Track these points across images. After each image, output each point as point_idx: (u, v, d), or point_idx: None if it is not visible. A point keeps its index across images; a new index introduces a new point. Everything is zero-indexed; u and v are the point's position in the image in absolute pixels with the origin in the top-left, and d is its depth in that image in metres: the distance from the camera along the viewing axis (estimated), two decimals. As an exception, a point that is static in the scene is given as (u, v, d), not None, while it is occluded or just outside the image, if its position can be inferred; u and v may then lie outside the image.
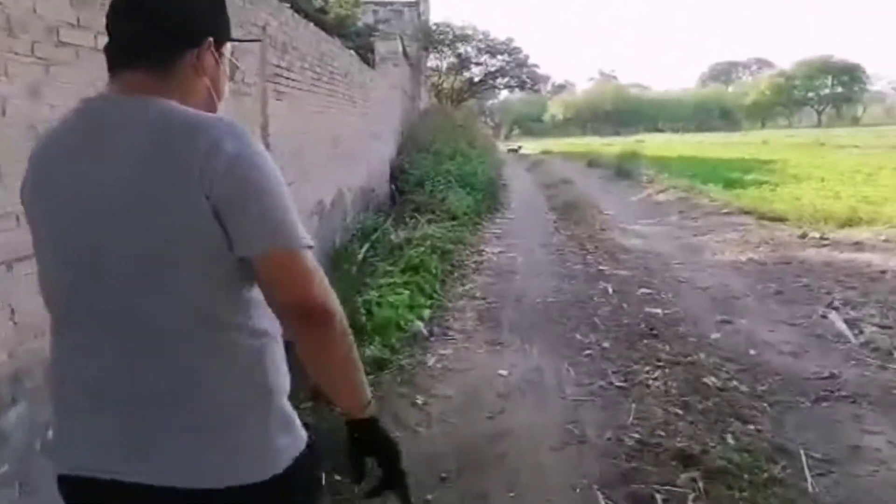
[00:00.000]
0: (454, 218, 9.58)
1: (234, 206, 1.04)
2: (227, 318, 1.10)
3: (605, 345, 4.65)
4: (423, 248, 7.28)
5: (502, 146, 34.31)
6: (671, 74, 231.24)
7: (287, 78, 6.16)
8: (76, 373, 1.13)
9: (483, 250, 8.18)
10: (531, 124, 72.99)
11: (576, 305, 5.66)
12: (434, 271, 6.44)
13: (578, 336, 4.86)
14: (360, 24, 20.96)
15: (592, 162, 21.38)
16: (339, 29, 19.13)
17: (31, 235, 1.19)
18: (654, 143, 34.71)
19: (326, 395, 1.23)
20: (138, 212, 1.04)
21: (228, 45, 1.26)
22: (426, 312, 5.35)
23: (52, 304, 1.17)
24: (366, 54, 18.47)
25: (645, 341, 4.68)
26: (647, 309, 5.44)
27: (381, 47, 18.48)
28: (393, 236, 7.92)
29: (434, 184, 11.41)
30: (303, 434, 1.19)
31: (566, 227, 9.85)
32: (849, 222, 8.63)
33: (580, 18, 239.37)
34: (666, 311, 5.38)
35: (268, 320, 1.13)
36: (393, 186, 11.87)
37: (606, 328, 5.01)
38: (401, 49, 19.94)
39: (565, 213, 11.12)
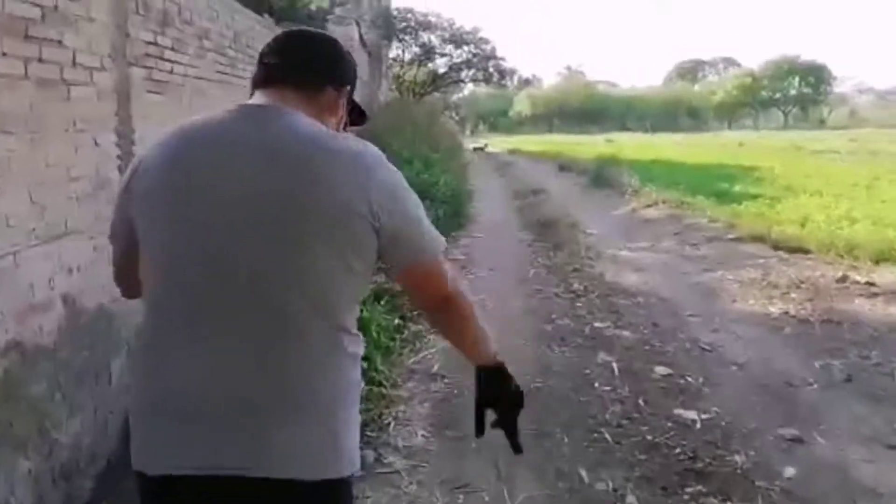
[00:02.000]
0: (409, 241, 7.83)
1: (394, 223, 1.18)
2: (345, 322, 1.21)
3: (630, 501, 2.97)
4: (364, 293, 5.55)
5: (468, 143, 32.60)
6: (638, 71, 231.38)
7: (170, 61, 4.37)
8: (185, 373, 1.16)
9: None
10: (497, 120, 71.47)
11: (570, 401, 3.97)
12: (375, 333, 4.69)
13: (584, 473, 3.17)
14: (313, 7, 19.10)
15: (564, 166, 19.78)
16: (288, 12, 17.27)
17: (141, 219, 1.22)
18: (626, 144, 33.38)
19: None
20: (290, 214, 1.12)
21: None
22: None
23: (167, 299, 1.19)
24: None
25: (689, 489, 3.01)
26: (676, 410, 3.79)
27: (333, 33, 16.60)
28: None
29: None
30: None
31: (544, 254, 8.17)
32: (884, 256, 7.12)
33: (547, 10, 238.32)
34: (703, 416, 3.73)
35: (354, 321, 1.26)
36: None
37: (623, 455, 3.33)
38: (357, 35, 18.07)
39: (542, 234, 9.45)
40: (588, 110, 67.96)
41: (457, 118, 48.87)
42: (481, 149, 29.82)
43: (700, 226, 9.43)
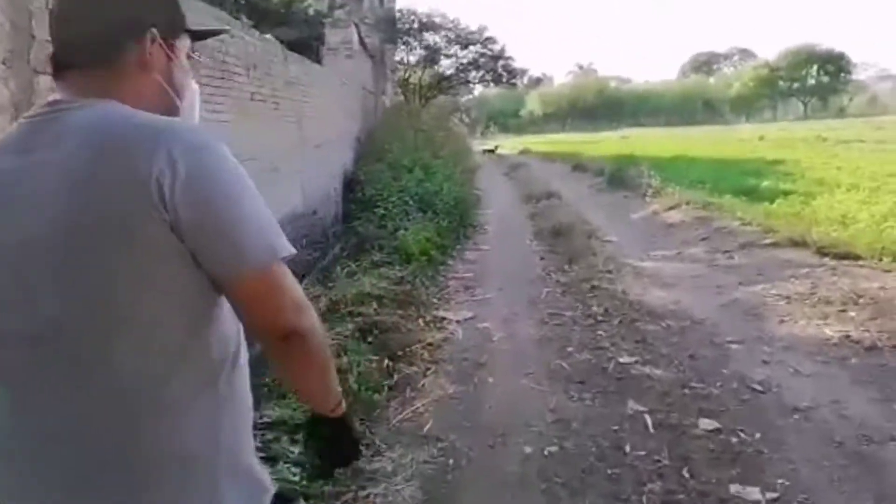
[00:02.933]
0: (408, 259, 7.03)
1: (197, 227, 0.93)
2: (178, 351, 0.98)
3: None
4: (346, 326, 4.77)
5: (478, 145, 31.74)
6: (651, 66, 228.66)
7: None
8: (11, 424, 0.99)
9: (442, 318, 5.63)
10: (508, 120, 70.54)
11: (595, 473, 3.13)
12: (355, 385, 3.87)
13: None
14: (311, 11, 18.39)
15: (578, 166, 18.87)
16: (283, 16, 16.56)
17: None
18: (641, 140, 32.39)
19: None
20: (78, 235, 0.92)
21: (186, 37, 1.14)
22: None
23: None
24: (318, 46, 15.81)
25: None
26: (732, 487, 2.94)
27: (331, 36, 15.87)
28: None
29: (387, 207, 8.85)
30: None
31: (558, 268, 7.32)
32: (949, 260, 6.21)
33: (554, 7, 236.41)
34: (769, 494, 2.88)
35: (223, 344, 1.04)
36: (352, 205, 9.39)
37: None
38: (356, 38, 17.30)
39: (555, 243, 8.59)
40: (601, 107, 66.78)
41: (467, 121, 48.07)
42: (492, 151, 28.95)
43: (731, 229, 8.52)
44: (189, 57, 1.16)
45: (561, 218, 10.07)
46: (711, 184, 12.52)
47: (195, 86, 1.19)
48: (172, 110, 1.11)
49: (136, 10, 1.08)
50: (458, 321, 5.59)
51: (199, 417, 1.00)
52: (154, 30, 1.08)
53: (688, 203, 10.23)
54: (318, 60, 13.54)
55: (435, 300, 6.12)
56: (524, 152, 29.78)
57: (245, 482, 1.08)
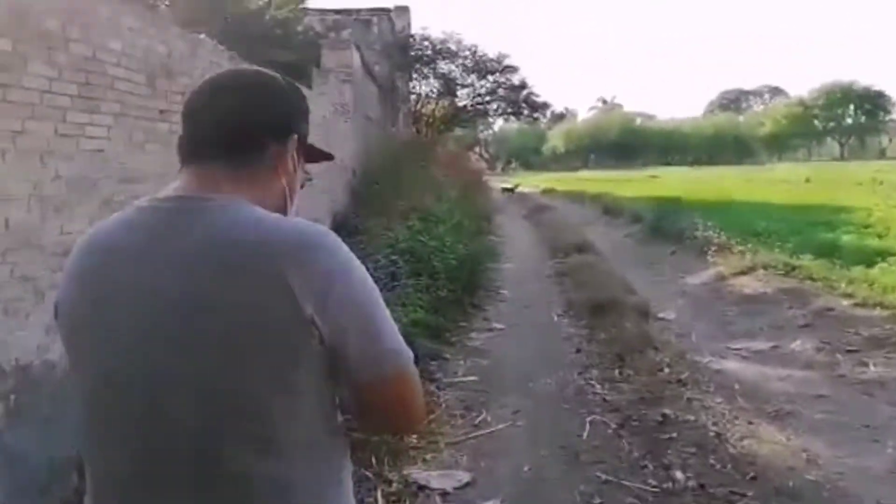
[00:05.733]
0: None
1: (342, 333, 0.93)
2: (311, 458, 0.98)
3: None
4: None
5: (498, 183, 29.52)
6: (677, 102, 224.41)
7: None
8: None
9: (416, 488, 3.30)
10: (530, 157, 68.50)
11: None
12: None
13: None
14: (310, 32, 16.46)
15: (610, 209, 16.51)
16: (280, 39, 14.61)
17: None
18: (672, 180, 29.98)
19: None
20: (208, 337, 0.90)
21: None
22: None
23: (93, 456, 1.01)
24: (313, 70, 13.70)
25: None
26: None
27: (327, 59, 13.83)
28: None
29: (376, 270, 6.58)
30: None
31: (603, 373, 4.97)
32: None
33: (577, 41, 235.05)
34: None
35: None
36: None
37: None
38: (357, 62, 15.25)
39: (595, 325, 6.23)
40: (626, 144, 64.23)
41: (486, 156, 46.06)
42: (511, 190, 26.68)
43: (841, 311, 6.10)
44: (306, 172, 1.16)
45: (599, 282, 7.72)
46: (777, 236, 10.11)
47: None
48: (285, 213, 1.07)
49: (286, 115, 1.09)
50: (442, 493, 3.27)
51: None
52: (295, 137, 1.08)
53: (765, 267, 7.82)
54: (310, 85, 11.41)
55: (411, 442, 3.78)
56: (547, 192, 27.44)
57: None
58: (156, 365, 0.92)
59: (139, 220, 0.98)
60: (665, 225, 11.95)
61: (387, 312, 0.98)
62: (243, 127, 1.03)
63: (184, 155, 1.04)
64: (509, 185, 28.10)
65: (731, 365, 5.17)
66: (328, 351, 0.92)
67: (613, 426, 3.98)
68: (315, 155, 1.18)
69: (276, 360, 0.90)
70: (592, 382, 4.78)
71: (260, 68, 1.15)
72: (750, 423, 4.00)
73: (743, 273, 7.92)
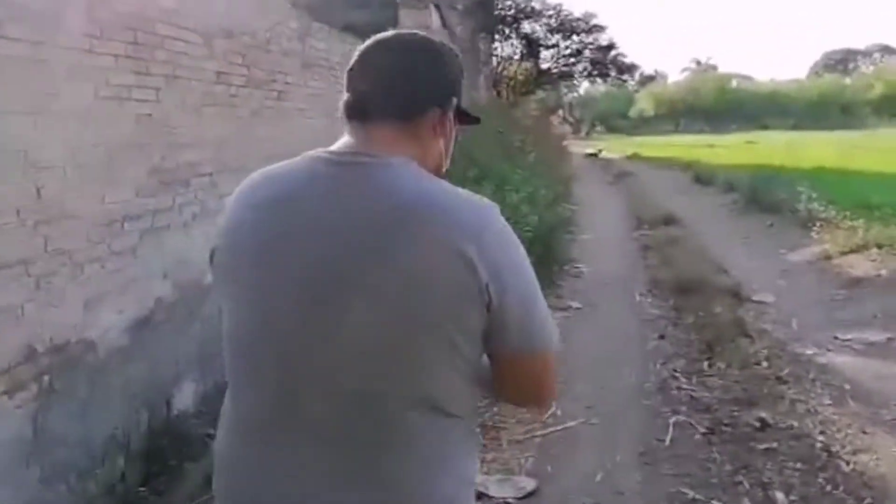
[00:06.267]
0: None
1: (509, 302, 0.96)
2: (457, 410, 1.02)
3: None
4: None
5: (582, 148, 28.50)
6: (778, 64, 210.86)
7: None
8: (270, 486, 1.01)
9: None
10: (616, 121, 66.12)
11: None
12: None
13: None
14: (390, -9, 16.03)
15: (701, 177, 15.52)
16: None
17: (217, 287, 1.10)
18: (771, 145, 28.15)
19: None
20: (382, 298, 0.94)
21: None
22: None
23: (245, 389, 1.05)
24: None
25: None
26: None
27: (405, 18, 13.43)
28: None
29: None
30: None
31: (690, 364, 4.47)
32: None
33: (669, 0, 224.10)
34: None
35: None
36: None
37: None
38: (437, 21, 14.78)
39: (681, 307, 5.68)
40: (720, 108, 60.83)
41: (571, 120, 44.62)
42: (595, 155, 25.66)
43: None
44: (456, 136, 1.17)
45: (686, 260, 7.12)
46: (887, 209, 9.10)
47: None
48: (440, 173, 1.11)
49: (448, 79, 1.11)
50: (502, 503, 2.92)
51: (444, 473, 1.03)
52: (455, 99, 1.11)
53: (879, 246, 6.99)
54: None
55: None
56: (633, 157, 26.28)
57: None
58: (323, 314, 0.94)
59: (315, 169, 1.02)
60: (762, 195, 11.04)
61: (538, 285, 1.02)
62: (411, 90, 1.07)
63: (350, 112, 1.07)
64: (593, 150, 27.09)
65: (840, 359, 4.55)
66: (491, 317, 0.95)
67: (702, 430, 3.50)
68: (465, 118, 1.17)
69: (449, 323, 0.94)
70: (678, 375, 4.29)
71: (420, 34, 1.16)
72: (864, 432, 3.45)
73: (853, 251, 7.11)
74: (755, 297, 6.07)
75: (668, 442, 3.43)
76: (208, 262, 1.11)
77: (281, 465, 1.00)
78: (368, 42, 1.12)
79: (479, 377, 1.04)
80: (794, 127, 51.38)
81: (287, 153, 1.16)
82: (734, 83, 70.21)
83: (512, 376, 1.05)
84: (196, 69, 4.18)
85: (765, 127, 51.95)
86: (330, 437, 0.98)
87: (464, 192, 1.02)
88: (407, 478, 0.99)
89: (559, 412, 3.82)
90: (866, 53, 78.64)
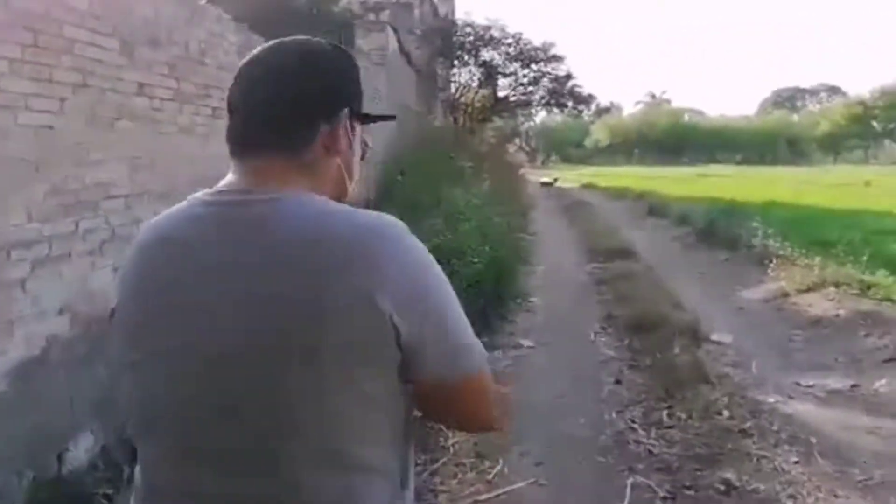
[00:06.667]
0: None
1: (419, 334, 0.87)
2: (373, 465, 0.91)
3: None
4: None
5: (538, 176, 28.50)
6: (728, 100, 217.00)
7: None
8: None
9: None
10: (571, 150, 66.98)
11: None
12: None
13: None
14: (347, 14, 15.75)
15: (655, 209, 15.51)
16: (313, 18, 13.97)
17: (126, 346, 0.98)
18: (721, 179, 28.64)
19: None
20: (276, 339, 0.85)
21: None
22: None
23: (149, 458, 0.96)
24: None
25: None
26: None
27: (362, 41, 13.15)
28: None
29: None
30: None
31: (648, 414, 4.16)
32: None
33: (625, 34, 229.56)
34: None
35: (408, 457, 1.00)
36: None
37: None
38: (393, 45, 14.51)
39: (638, 348, 5.40)
40: (673, 141, 62.24)
41: (527, 148, 44.83)
42: (550, 184, 25.65)
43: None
44: (363, 143, 1.06)
45: (642, 295, 6.87)
46: (842, 246, 9.05)
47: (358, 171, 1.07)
48: (344, 194, 1.02)
49: (333, 90, 0.99)
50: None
51: None
52: (346, 111, 0.98)
53: (836, 285, 6.85)
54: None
55: None
56: (588, 186, 26.38)
57: None
58: (227, 360, 0.86)
59: (196, 214, 0.93)
60: (717, 229, 10.97)
61: (458, 305, 0.94)
62: (290, 113, 0.94)
63: (233, 145, 0.97)
64: (548, 179, 27.08)
65: (804, 408, 4.30)
66: (403, 350, 0.87)
67: (662, 495, 3.17)
68: (373, 120, 1.07)
69: (351, 361, 0.85)
70: (635, 426, 3.96)
71: (302, 38, 1.02)
72: (835, 495, 3.16)
73: (810, 290, 6.96)
74: (713, 337, 5.81)
75: (625, 508, 3.08)
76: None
77: None
78: (240, 65, 1.00)
79: (402, 421, 0.94)
80: (743, 161, 52.73)
81: (222, 175, 1.00)
82: (686, 117, 71.92)
83: (443, 406, 0.97)
84: (111, 79, 3.75)
85: (715, 160, 53.18)
86: (240, 483, 0.88)
87: (364, 217, 0.91)
88: None
89: (506, 470, 3.45)
90: (813, 92, 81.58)
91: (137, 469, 0.99)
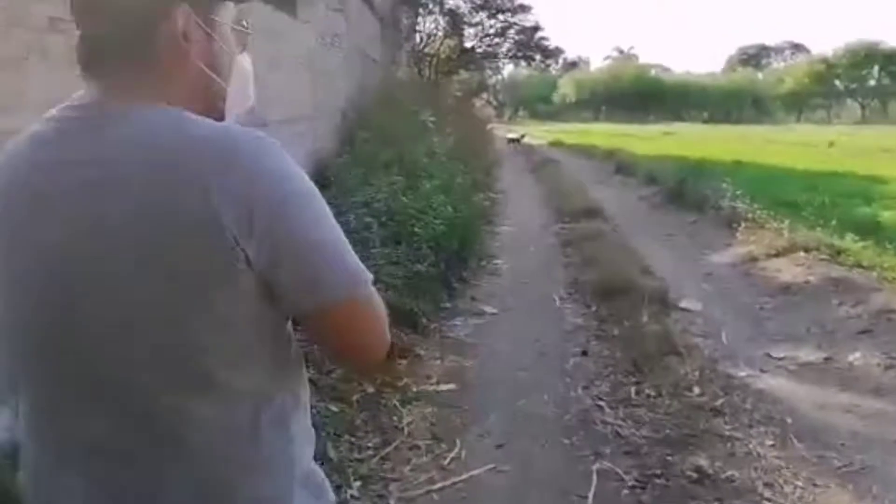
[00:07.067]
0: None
1: (276, 260, 0.78)
2: (242, 385, 0.83)
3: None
4: None
5: (504, 132, 28.04)
6: (694, 56, 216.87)
7: None
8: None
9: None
10: (539, 106, 66.42)
11: None
12: None
13: None
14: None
15: (622, 167, 15.27)
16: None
17: None
18: (687, 137, 28.56)
19: None
20: (137, 259, 0.77)
21: (229, 5, 0.92)
22: None
23: (17, 398, 0.89)
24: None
25: None
26: None
27: (315, -16, 12.43)
28: None
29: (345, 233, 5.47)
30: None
31: (613, 382, 3.94)
32: None
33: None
34: None
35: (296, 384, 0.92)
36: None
37: None
38: (353, -11, 13.83)
39: (605, 316, 5.16)
40: (640, 97, 61.87)
41: (494, 103, 44.14)
42: (517, 140, 25.21)
43: (905, 312, 5.01)
44: (237, 27, 0.94)
45: (609, 258, 6.62)
46: (809, 209, 8.94)
47: (246, 60, 0.98)
48: (220, 96, 0.92)
49: None
50: None
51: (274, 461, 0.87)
52: (185, 5, 0.85)
53: (806, 249, 6.67)
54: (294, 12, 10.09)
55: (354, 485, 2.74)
56: (556, 144, 26.02)
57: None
58: (74, 282, 0.79)
59: (45, 134, 0.85)
60: (685, 189, 10.76)
61: (330, 227, 0.83)
62: (117, 20, 0.83)
63: (81, 61, 0.87)
64: (515, 136, 26.66)
65: (776, 383, 4.10)
66: (257, 275, 0.78)
67: (630, 483, 2.93)
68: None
69: (196, 279, 0.77)
70: (601, 403, 3.71)
71: None
72: (815, 485, 2.96)
73: (778, 255, 6.78)
74: (682, 304, 5.61)
75: (590, 499, 2.84)
76: None
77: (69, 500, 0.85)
78: None
79: (278, 345, 0.86)
80: (709, 120, 52.84)
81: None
82: (653, 73, 71.61)
83: (315, 337, 0.90)
84: (18, 15, 3.26)
85: (681, 118, 53.21)
86: (110, 460, 0.82)
87: (215, 124, 0.83)
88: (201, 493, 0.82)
89: (464, 453, 3.18)
90: (778, 50, 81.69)
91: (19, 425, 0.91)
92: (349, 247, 0.84)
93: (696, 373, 4.03)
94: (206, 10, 0.88)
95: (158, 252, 0.76)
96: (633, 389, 3.86)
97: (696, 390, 3.82)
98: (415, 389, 3.81)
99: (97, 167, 0.79)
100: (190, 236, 0.76)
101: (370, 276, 0.85)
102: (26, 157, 0.85)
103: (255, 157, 0.79)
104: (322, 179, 7.12)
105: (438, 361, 4.26)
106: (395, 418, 3.45)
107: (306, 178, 0.83)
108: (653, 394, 3.77)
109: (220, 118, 0.91)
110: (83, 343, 0.80)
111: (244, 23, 0.97)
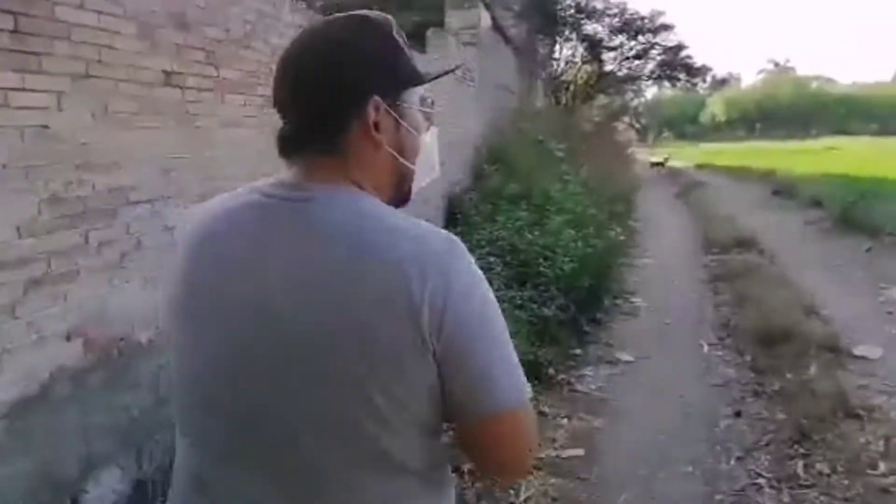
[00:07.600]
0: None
1: (458, 361, 0.82)
2: (409, 464, 0.87)
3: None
4: None
5: (646, 155, 26.86)
6: (860, 66, 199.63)
7: None
8: None
9: None
10: (686, 127, 63.58)
11: None
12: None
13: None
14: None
15: (781, 189, 13.95)
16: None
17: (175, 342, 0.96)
18: (855, 152, 25.90)
19: None
20: (315, 347, 0.82)
21: (417, 89, 0.95)
22: None
23: (190, 438, 0.94)
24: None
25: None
26: None
27: (451, 19, 12.47)
28: None
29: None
30: None
31: (775, 454, 3.30)
32: None
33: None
34: None
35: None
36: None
37: None
38: (486, 22, 13.72)
39: (759, 361, 4.46)
40: (799, 112, 57.58)
41: (637, 126, 42.63)
42: (661, 164, 24.01)
43: None
44: (423, 109, 0.97)
45: (766, 295, 5.83)
46: None
47: (432, 133, 1.02)
48: (409, 178, 0.96)
49: (349, 80, 0.89)
50: None
51: None
52: (376, 97, 0.89)
53: None
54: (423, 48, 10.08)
55: None
56: (703, 166, 24.55)
57: None
58: (267, 382, 0.84)
59: (245, 211, 0.90)
60: (855, 212, 9.54)
61: (508, 343, 0.86)
62: (311, 114, 0.89)
63: (281, 147, 0.93)
64: (658, 159, 25.41)
65: None
66: (438, 371, 0.82)
67: None
68: (432, 79, 0.97)
69: (391, 358, 0.80)
70: (760, 481, 3.10)
71: (318, 25, 0.93)
72: None
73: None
74: (858, 352, 4.77)
75: None
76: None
77: None
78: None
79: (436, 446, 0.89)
80: (879, 132, 47.99)
81: (273, 171, 0.95)
82: (814, 86, 66.49)
83: (473, 443, 0.89)
84: (125, 67, 3.26)
85: (846, 132, 48.74)
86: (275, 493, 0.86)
87: (413, 229, 0.85)
88: None
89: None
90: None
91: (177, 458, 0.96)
92: (516, 356, 0.85)
93: (881, 443, 3.31)
94: (395, 97, 0.91)
95: (355, 328, 0.79)
96: (800, 464, 3.21)
97: (882, 467, 3.12)
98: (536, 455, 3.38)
99: (301, 245, 0.83)
100: (391, 322, 0.78)
101: (530, 392, 0.86)
102: (225, 226, 0.89)
103: (449, 263, 0.82)
104: (451, 216, 6.91)
105: (565, 420, 3.81)
106: (511, 492, 3.04)
107: (485, 280, 0.86)
108: (826, 471, 3.11)
109: (408, 197, 0.96)
110: (269, 412, 0.83)
111: (430, 101, 0.99)
